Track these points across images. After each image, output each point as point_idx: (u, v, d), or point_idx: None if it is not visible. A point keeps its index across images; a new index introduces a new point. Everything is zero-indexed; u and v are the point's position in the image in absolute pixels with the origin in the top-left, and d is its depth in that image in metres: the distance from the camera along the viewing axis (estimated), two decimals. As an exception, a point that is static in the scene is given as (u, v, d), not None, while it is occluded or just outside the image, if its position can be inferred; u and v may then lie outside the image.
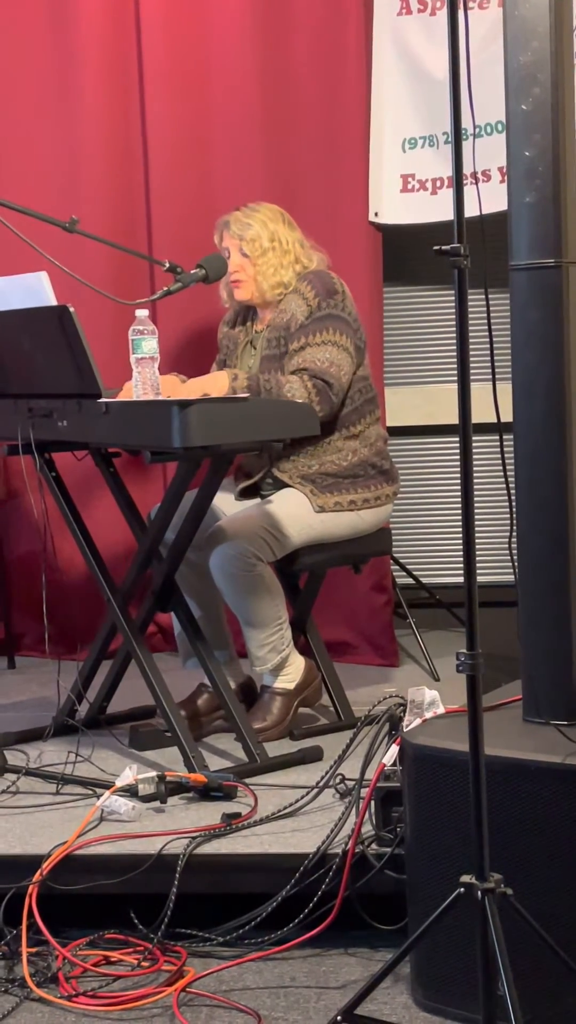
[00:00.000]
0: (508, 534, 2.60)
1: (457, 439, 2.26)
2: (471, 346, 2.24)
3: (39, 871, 2.85)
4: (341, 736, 3.33)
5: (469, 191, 2.26)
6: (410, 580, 4.75)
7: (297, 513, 3.61)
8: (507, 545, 2.60)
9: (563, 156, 2.55)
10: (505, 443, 2.58)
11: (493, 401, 2.47)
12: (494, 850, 2.28)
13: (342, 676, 3.84)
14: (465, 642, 2.27)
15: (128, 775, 3.15)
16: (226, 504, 3.74)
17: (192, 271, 3.76)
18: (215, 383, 3.52)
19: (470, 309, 2.23)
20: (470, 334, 2.24)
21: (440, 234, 2.29)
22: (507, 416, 2.58)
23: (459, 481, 2.25)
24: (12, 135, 4.64)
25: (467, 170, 2.28)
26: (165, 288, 3.75)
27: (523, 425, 2.62)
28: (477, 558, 2.27)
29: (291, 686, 3.69)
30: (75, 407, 3.29)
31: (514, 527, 2.62)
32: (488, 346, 2.45)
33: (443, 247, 2.23)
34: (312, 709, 3.81)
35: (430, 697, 2.87)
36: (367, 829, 2.84)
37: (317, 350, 3.60)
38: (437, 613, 4.68)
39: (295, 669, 3.70)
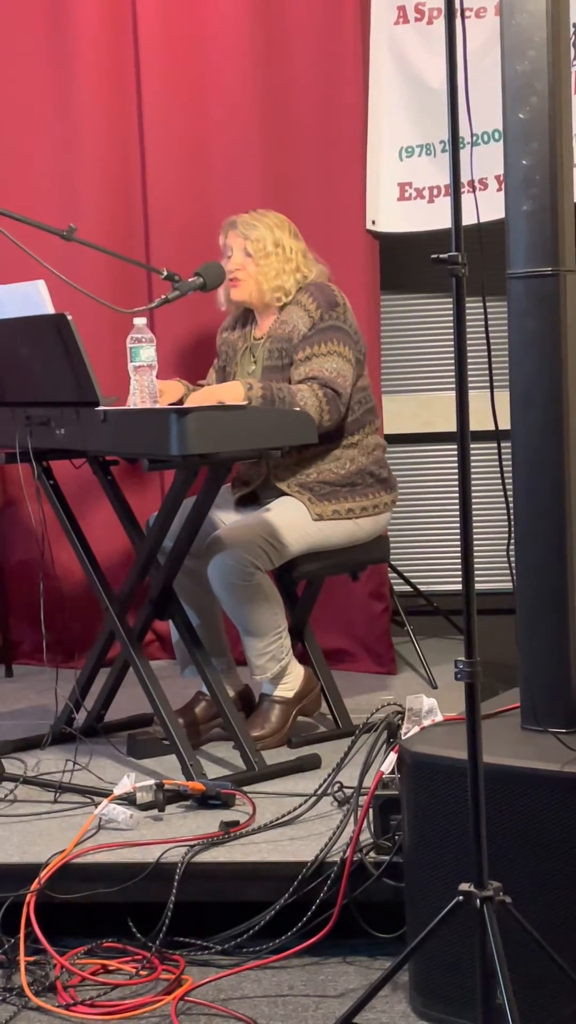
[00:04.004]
0: (506, 542, 2.60)
1: (455, 447, 2.26)
2: (469, 354, 2.24)
3: (37, 880, 2.84)
4: (339, 744, 3.33)
5: (466, 199, 2.26)
6: (408, 588, 4.74)
7: (295, 521, 3.61)
8: (505, 553, 2.60)
9: (560, 165, 2.56)
10: (503, 451, 2.58)
11: (491, 409, 2.47)
12: (492, 858, 2.28)
13: (340, 684, 3.84)
14: (463, 650, 2.27)
15: (126, 783, 3.15)
16: (224, 512, 3.74)
17: (190, 279, 3.76)
18: (230, 391, 3.53)
19: (468, 317, 2.24)
20: (468, 342, 2.24)
21: (437, 242, 2.29)
22: (505, 424, 2.58)
23: (457, 489, 2.26)
24: (10, 144, 4.64)
25: (464, 178, 2.29)
26: (163, 296, 3.75)
27: (521, 433, 2.63)
28: (475, 566, 2.27)
29: (290, 694, 3.69)
30: (73, 415, 3.30)
31: (512, 535, 2.62)
32: (486, 354, 2.45)
33: (440, 255, 2.23)
34: (310, 717, 3.81)
35: (428, 705, 2.86)
36: (365, 837, 2.84)
37: (323, 360, 3.61)
38: (435, 621, 4.67)
39: (295, 678, 3.70)
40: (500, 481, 2.55)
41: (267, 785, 3.32)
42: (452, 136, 2.22)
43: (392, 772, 2.79)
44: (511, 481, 2.63)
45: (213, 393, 3.57)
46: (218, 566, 3.54)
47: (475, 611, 2.27)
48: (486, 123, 3.91)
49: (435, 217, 4.38)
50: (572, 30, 3.64)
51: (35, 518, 3.54)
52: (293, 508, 3.64)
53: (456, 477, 2.26)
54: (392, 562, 4.57)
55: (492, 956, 2.21)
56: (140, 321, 3.27)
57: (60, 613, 4.34)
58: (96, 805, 3.13)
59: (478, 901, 2.24)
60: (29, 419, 3.39)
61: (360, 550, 3.77)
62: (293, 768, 3.43)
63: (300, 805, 3.10)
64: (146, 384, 3.24)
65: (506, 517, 2.60)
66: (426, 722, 2.82)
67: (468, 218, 2.27)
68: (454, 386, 2.25)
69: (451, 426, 2.28)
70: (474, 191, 2.52)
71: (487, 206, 2.55)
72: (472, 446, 2.25)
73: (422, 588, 4.76)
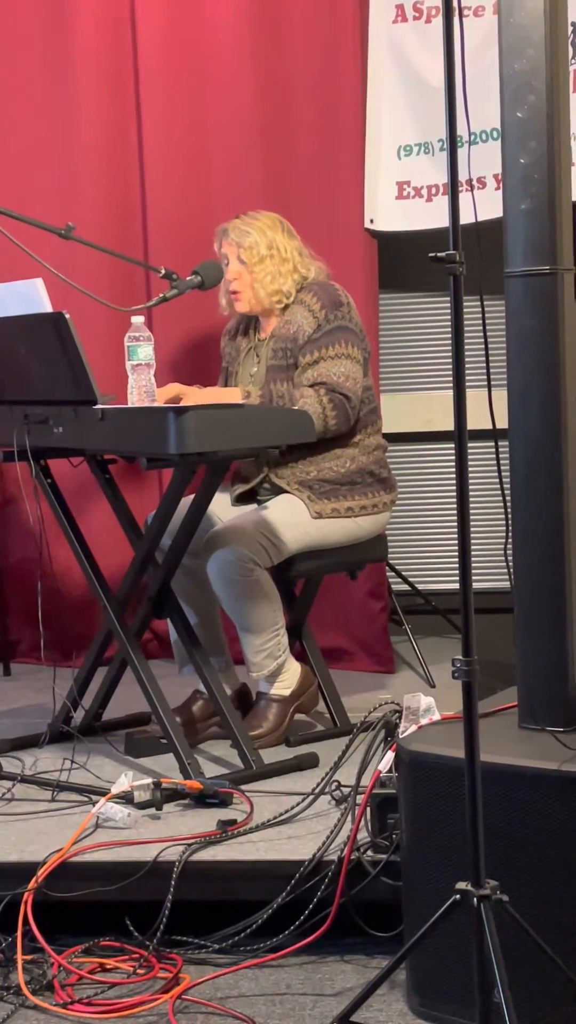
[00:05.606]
0: (504, 540, 2.60)
1: (453, 446, 2.26)
2: (467, 353, 2.24)
3: (34, 878, 2.84)
4: (337, 743, 3.33)
5: (464, 198, 2.26)
6: (406, 586, 4.74)
7: (294, 519, 3.61)
8: (503, 551, 2.60)
9: (558, 163, 2.56)
10: (501, 450, 2.58)
11: (489, 408, 2.47)
12: (490, 856, 2.28)
13: (338, 682, 3.84)
14: (461, 648, 2.27)
15: (124, 782, 3.15)
16: (222, 509, 3.74)
17: (188, 278, 3.77)
18: (227, 396, 3.53)
19: (466, 316, 2.24)
20: (466, 341, 2.24)
21: (435, 241, 2.29)
22: (503, 423, 2.58)
23: (455, 487, 2.26)
24: (8, 143, 4.64)
25: (463, 177, 2.29)
26: (161, 295, 3.75)
27: (519, 432, 2.63)
28: (473, 564, 2.27)
29: (287, 693, 3.69)
30: (71, 414, 3.30)
31: (510, 533, 2.62)
32: (484, 353, 2.45)
33: (438, 254, 2.23)
34: (308, 715, 3.81)
35: (426, 703, 2.86)
36: (363, 836, 2.84)
37: (332, 364, 3.60)
38: (433, 619, 4.68)
39: (291, 675, 3.70)
40: (498, 480, 2.55)
41: (265, 784, 3.32)
42: (450, 135, 2.22)
43: (390, 771, 2.79)
44: (509, 480, 2.63)
45: (210, 395, 3.57)
46: (217, 562, 3.54)
47: (473, 610, 2.27)
48: (484, 122, 3.91)
49: (433, 216, 4.37)
50: (570, 29, 3.64)
51: (33, 517, 3.54)
52: (292, 506, 3.64)
53: (454, 476, 2.26)
54: (390, 561, 4.57)
55: (489, 954, 2.21)
56: (138, 319, 3.28)
57: (58, 612, 4.33)
58: (94, 804, 3.13)
59: (475, 900, 2.24)
60: (27, 417, 3.39)
61: (359, 549, 3.77)
62: (291, 767, 3.43)
63: (298, 804, 3.10)
64: (144, 382, 3.24)
65: (504, 515, 2.60)
66: (424, 721, 2.82)
67: (466, 217, 2.27)
68: (452, 385, 2.25)
69: (449, 425, 2.28)
70: (472, 190, 2.53)
71: (485, 205, 2.55)
72: (470, 445, 2.25)
73: (420, 587, 4.76)
